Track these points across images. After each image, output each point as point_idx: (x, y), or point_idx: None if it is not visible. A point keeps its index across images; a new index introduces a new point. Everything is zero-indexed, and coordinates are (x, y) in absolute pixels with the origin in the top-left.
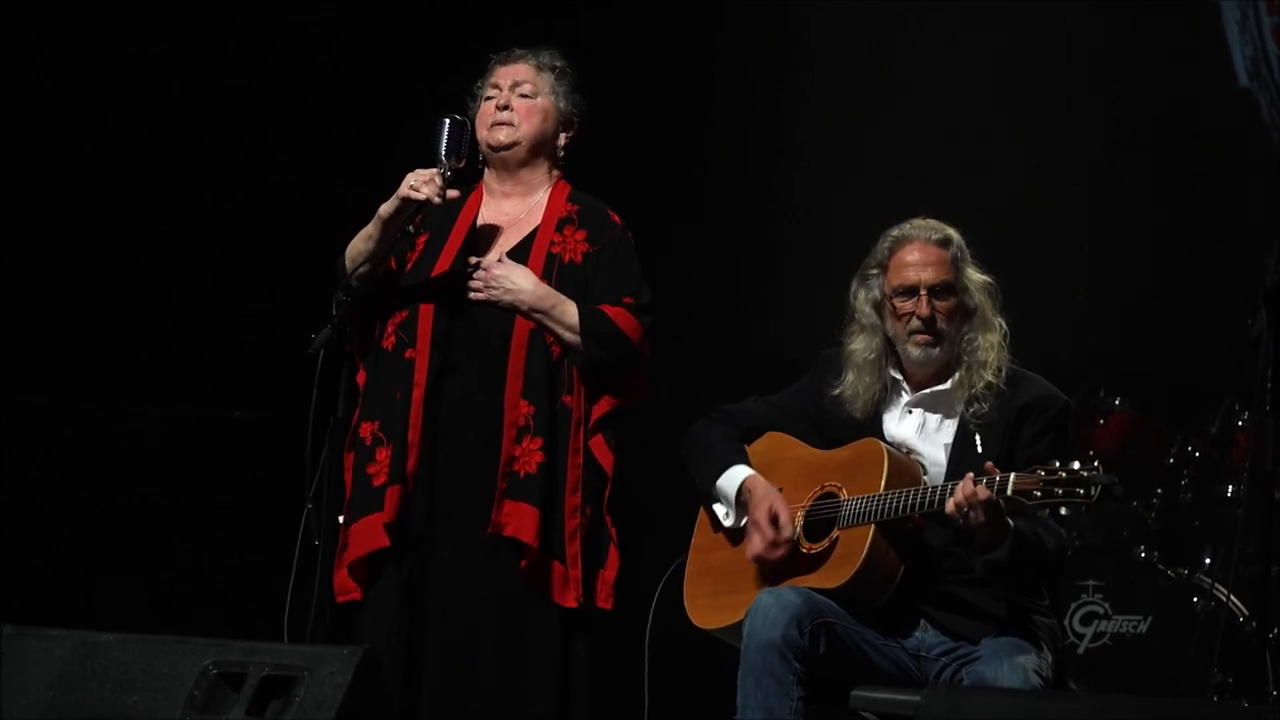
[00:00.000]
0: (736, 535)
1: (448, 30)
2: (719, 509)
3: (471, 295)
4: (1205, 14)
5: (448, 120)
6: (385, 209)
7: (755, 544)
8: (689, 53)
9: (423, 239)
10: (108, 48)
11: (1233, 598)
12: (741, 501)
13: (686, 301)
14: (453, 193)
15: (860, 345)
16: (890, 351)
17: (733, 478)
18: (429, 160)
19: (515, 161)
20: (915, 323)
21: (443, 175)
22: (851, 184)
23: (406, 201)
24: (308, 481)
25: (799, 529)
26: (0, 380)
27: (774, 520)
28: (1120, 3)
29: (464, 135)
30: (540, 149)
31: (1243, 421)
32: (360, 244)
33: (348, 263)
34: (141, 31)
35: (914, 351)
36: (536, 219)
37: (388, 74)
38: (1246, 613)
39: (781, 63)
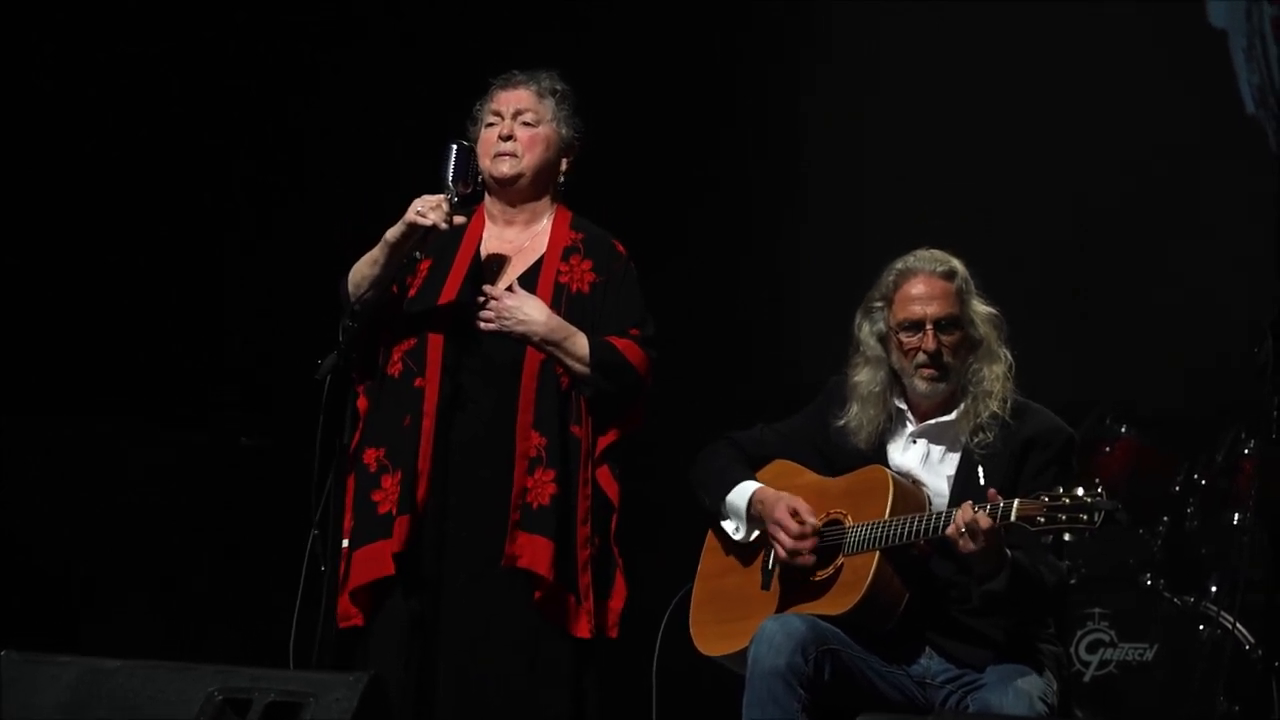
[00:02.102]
0: (744, 559)
1: (450, 33)
2: (728, 525)
3: (483, 326)
4: (1212, 41)
5: (455, 146)
6: (391, 234)
7: (781, 540)
8: (704, 66)
9: (426, 264)
10: (114, 49)
11: (1239, 626)
12: (752, 515)
13: (694, 329)
14: (459, 219)
15: (865, 377)
16: (895, 382)
17: (742, 492)
18: (435, 184)
19: (519, 192)
20: (921, 357)
21: (450, 201)
22: (860, 209)
23: (413, 227)
24: (314, 508)
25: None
26: (9, 403)
27: (794, 513)
28: (1125, 28)
29: (471, 162)
30: (543, 178)
31: (1249, 450)
32: (365, 269)
33: (351, 288)
34: (146, 32)
35: (920, 385)
36: (541, 247)
37: (397, 97)
38: (1253, 641)
39: (797, 81)
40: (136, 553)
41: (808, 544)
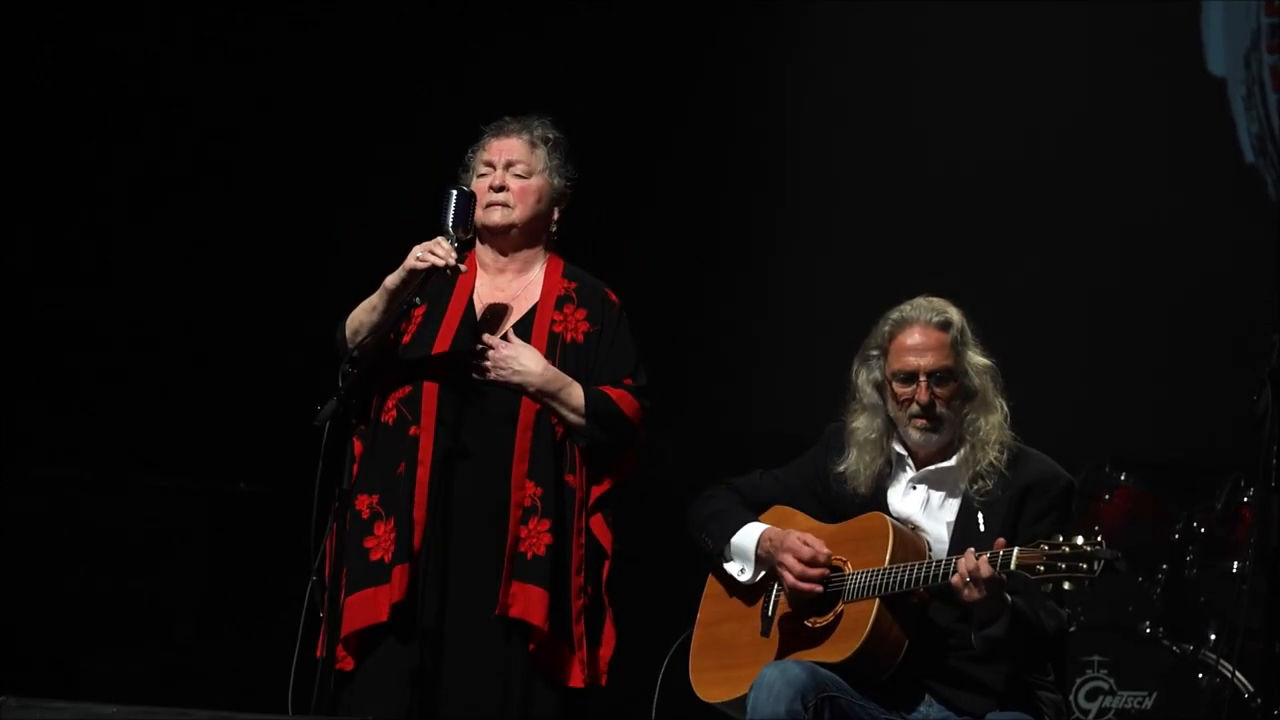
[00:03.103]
0: (744, 605)
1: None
2: (733, 567)
3: (481, 378)
4: (1212, 89)
5: (455, 192)
6: (391, 280)
7: (791, 565)
8: (696, 88)
9: (420, 310)
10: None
11: (1238, 674)
12: (760, 555)
13: (687, 375)
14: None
15: (862, 424)
16: (893, 428)
17: (749, 534)
18: (432, 228)
19: (510, 241)
20: (914, 408)
21: (453, 244)
22: (855, 253)
23: (413, 273)
24: (312, 554)
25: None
26: (6, 450)
27: (805, 544)
28: (1124, 73)
29: (471, 207)
30: (535, 228)
31: (1248, 498)
32: (363, 315)
33: (349, 334)
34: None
35: (914, 435)
36: (534, 296)
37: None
38: (1251, 689)
39: (795, 106)
40: (134, 598)
41: (816, 572)
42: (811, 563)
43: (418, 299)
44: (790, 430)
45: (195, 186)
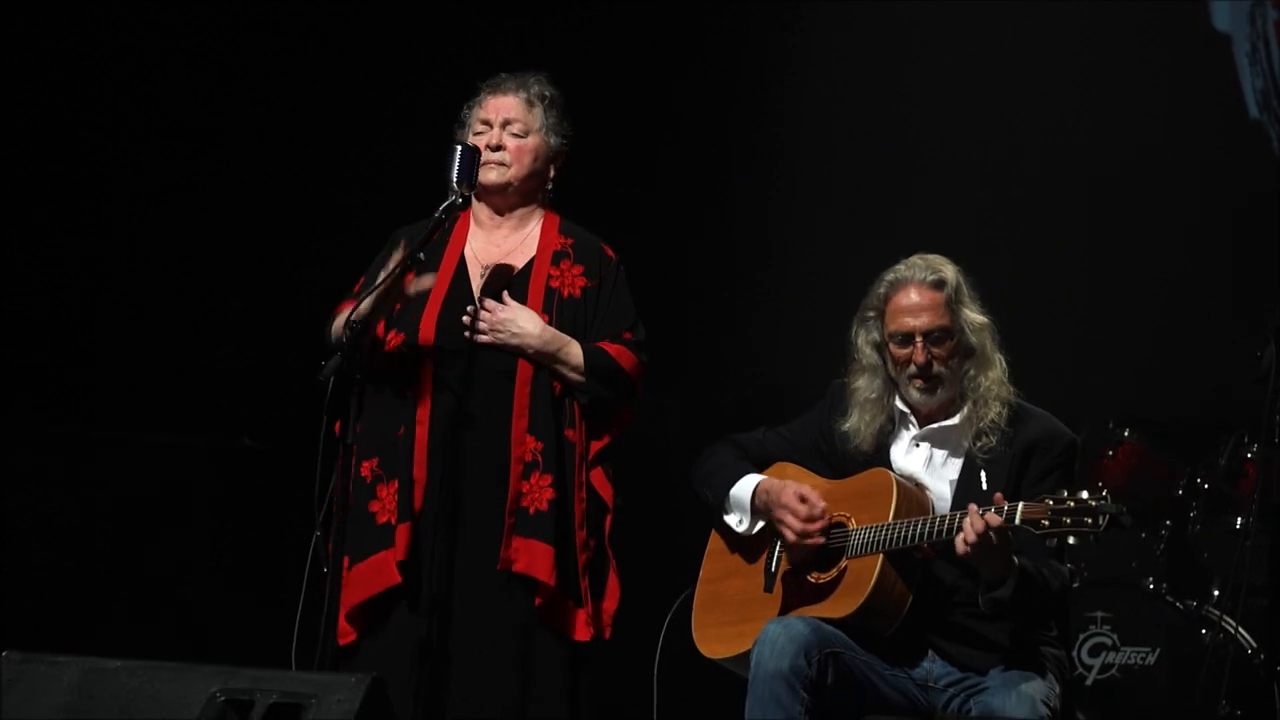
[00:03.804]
0: (746, 562)
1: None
2: (731, 519)
3: (478, 338)
4: (1216, 47)
5: (460, 148)
6: (365, 307)
7: (790, 524)
8: (696, 71)
9: (411, 274)
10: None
11: (1241, 630)
12: (757, 506)
13: (693, 335)
14: (426, 281)
15: (863, 384)
16: (894, 387)
17: (746, 485)
18: (439, 188)
19: (506, 199)
20: (912, 368)
21: (454, 200)
22: (854, 213)
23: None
24: (316, 510)
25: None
26: (10, 407)
27: (802, 499)
28: (1128, 33)
29: (475, 163)
30: (531, 186)
31: (1251, 454)
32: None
33: (339, 320)
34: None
35: (914, 395)
36: (530, 251)
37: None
38: (1255, 645)
39: (791, 86)
40: (139, 554)
41: (816, 525)
42: (810, 519)
43: (421, 255)
44: (794, 388)
45: (197, 147)
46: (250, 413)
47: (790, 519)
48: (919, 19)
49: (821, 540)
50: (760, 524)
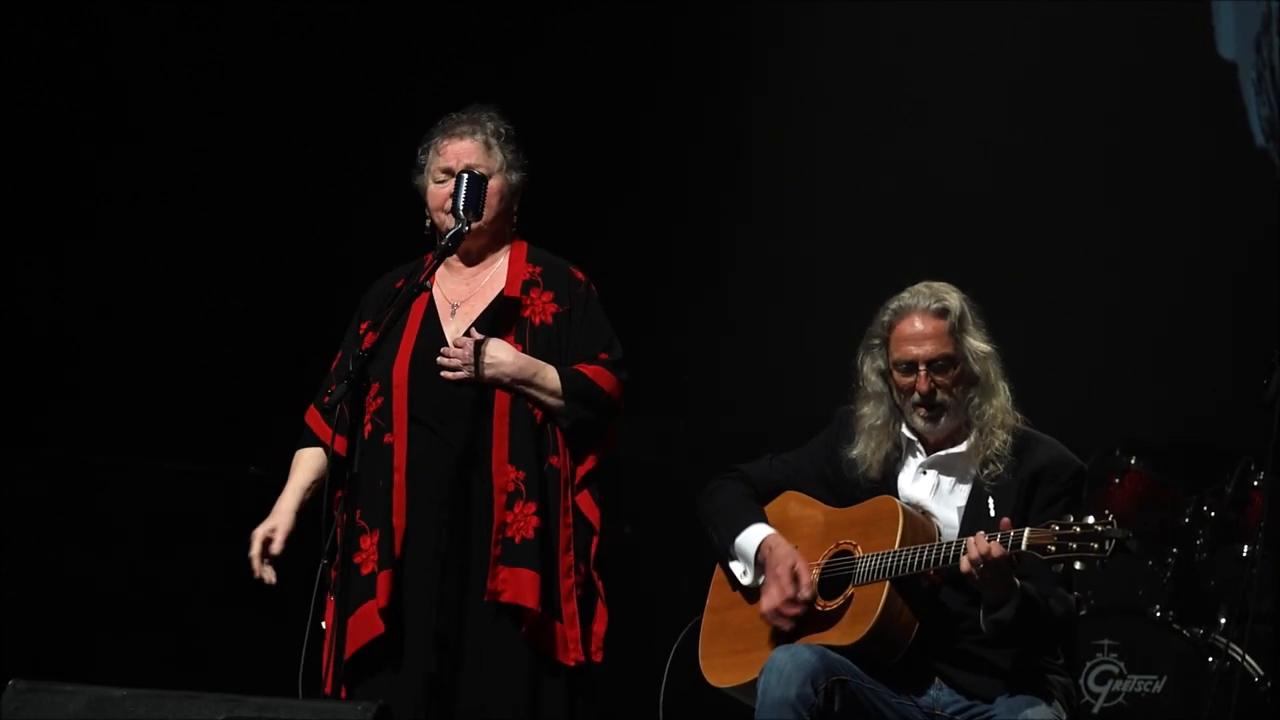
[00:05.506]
0: (753, 594)
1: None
2: (736, 567)
3: (452, 376)
4: (1224, 73)
5: (467, 176)
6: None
7: (772, 596)
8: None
9: (386, 315)
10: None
11: (1248, 658)
12: (759, 560)
13: (694, 362)
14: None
15: (869, 410)
16: (901, 415)
17: (752, 537)
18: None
19: (478, 243)
20: (916, 397)
21: (461, 229)
22: (855, 239)
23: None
24: (322, 537)
25: (815, 587)
26: (17, 434)
27: (795, 578)
28: (1134, 61)
29: (483, 192)
30: (499, 225)
31: (1258, 482)
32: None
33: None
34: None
35: (918, 423)
36: (500, 283)
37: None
38: (1261, 673)
39: (792, 96)
40: (145, 582)
41: (793, 610)
42: (790, 601)
43: (428, 283)
44: (800, 415)
45: (205, 169)
46: (256, 440)
47: (775, 591)
48: (909, 31)
49: (787, 627)
50: (764, 577)
